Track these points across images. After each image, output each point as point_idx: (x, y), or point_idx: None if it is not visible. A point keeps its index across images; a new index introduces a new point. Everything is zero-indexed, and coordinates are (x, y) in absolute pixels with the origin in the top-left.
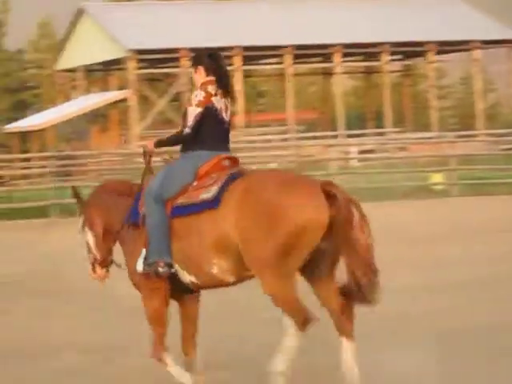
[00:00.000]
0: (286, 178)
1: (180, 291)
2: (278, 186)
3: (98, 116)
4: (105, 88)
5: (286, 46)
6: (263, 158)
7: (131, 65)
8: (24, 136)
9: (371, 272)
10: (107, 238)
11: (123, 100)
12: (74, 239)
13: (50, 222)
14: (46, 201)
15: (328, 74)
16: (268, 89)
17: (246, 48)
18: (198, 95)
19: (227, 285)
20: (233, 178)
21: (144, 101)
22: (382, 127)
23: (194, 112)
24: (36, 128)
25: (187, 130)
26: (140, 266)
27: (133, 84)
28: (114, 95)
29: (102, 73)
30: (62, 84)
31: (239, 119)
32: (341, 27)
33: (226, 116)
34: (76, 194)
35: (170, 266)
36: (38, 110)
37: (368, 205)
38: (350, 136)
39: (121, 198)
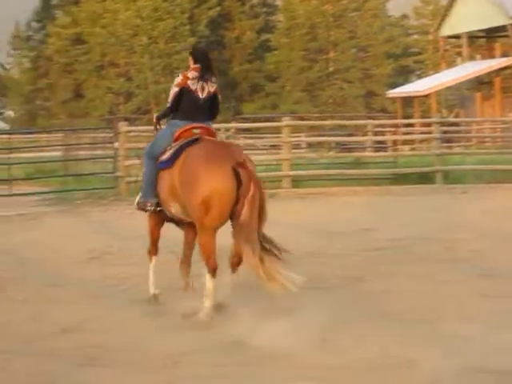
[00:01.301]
0: (213, 153)
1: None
2: (204, 159)
3: (481, 83)
4: (488, 55)
5: None
6: None
7: None
8: (407, 101)
9: (245, 241)
10: None
11: (508, 67)
12: None
13: (435, 189)
14: (431, 167)
15: None
16: None
17: None
18: (177, 78)
19: (189, 222)
20: (187, 144)
21: None
22: None
23: (172, 91)
24: (419, 94)
25: (167, 105)
26: (135, 203)
27: None
28: (497, 62)
29: (485, 40)
30: (446, 50)
31: None
32: None
33: (201, 95)
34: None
35: (156, 204)
36: (421, 76)
37: None
38: None
39: None
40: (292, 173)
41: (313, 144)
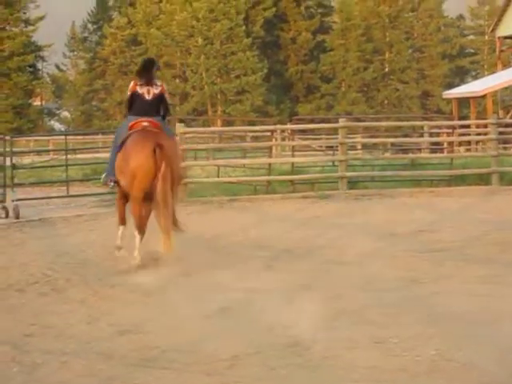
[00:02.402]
0: (141, 138)
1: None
2: (134, 142)
3: None
4: None
5: None
6: None
7: None
8: (462, 102)
9: (161, 207)
10: None
11: None
12: None
13: (491, 190)
14: (487, 168)
15: None
16: None
17: None
18: (130, 85)
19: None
20: (131, 133)
21: None
22: None
23: (127, 95)
24: (475, 95)
25: (124, 105)
26: (102, 180)
27: None
28: None
29: None
30: (502, 51)
31: None
32: None
33: (147, 96)
34: None
35: (115, 182)
36: (477, 77)
37: None
38: None
39: None
40: (348, 174)
41: (368, 145)
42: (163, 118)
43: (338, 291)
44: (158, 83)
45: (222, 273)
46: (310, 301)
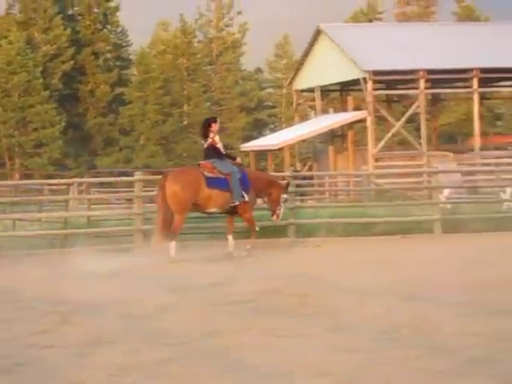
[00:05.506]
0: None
1: None
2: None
3: (334, 136)
4: (341, 108)
5: None
6: (499, 181)
7: (368, 86)
8: (260, 155)
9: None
10: None
11: (360, 121)
12: None
13: (288, 242)
14: (284, 220)
15: None
16: (505, 111)
17: (484, 70)
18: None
19: None
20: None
21: (380, 122)
22: None
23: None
24: (273, 148)
25: None
26: None
27: (370, 105)
28: (351, 116)
29: (338, 93)
30: (299, 104)
31: (475, 142)
32: None
33: (205, 144)
34: None
35: None
36: (275, 130)
37: None
38: None
39: None
40: (144, 227)
41: None
42: None
43: (134, 345)
44: None
45: (18, 327)
46: (105, 355)
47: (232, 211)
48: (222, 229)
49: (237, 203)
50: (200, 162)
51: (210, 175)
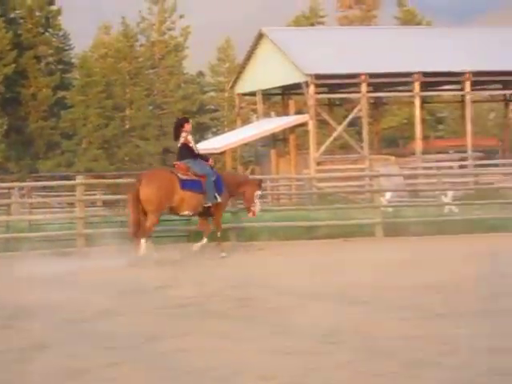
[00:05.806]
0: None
1: None
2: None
3: (276, 140)
4: (283, 112)
5: (464, 73)
6: (441, 184)
7: (310, 89)
8: None
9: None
10: None
11: (302, 124)
12: None
13: (230, 246)
14: (226, 224)
15: (508, 101)
16: (447, 115)
17: (426, 74)
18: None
19: None
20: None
21: (322, 125)
22: None
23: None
24: (215, 151)
25: None
26: None
27: (312, 109)
28: (293, 119)
29: (280, 97)
30: (241, 107)
31: (417, 145)
32: None
33: (178, 144)
34: None
35: None
36: (217, 133)
37: None
38: None
39: None
40: (86, 231)
41: (109, 202)
42: None
43: (79, 349)
44: None
45: None
46: (50, 360)
47: (204, 213)
48: (165, 232)
49: (209, 204)
50: (174, 163)
51: (185, 177)
